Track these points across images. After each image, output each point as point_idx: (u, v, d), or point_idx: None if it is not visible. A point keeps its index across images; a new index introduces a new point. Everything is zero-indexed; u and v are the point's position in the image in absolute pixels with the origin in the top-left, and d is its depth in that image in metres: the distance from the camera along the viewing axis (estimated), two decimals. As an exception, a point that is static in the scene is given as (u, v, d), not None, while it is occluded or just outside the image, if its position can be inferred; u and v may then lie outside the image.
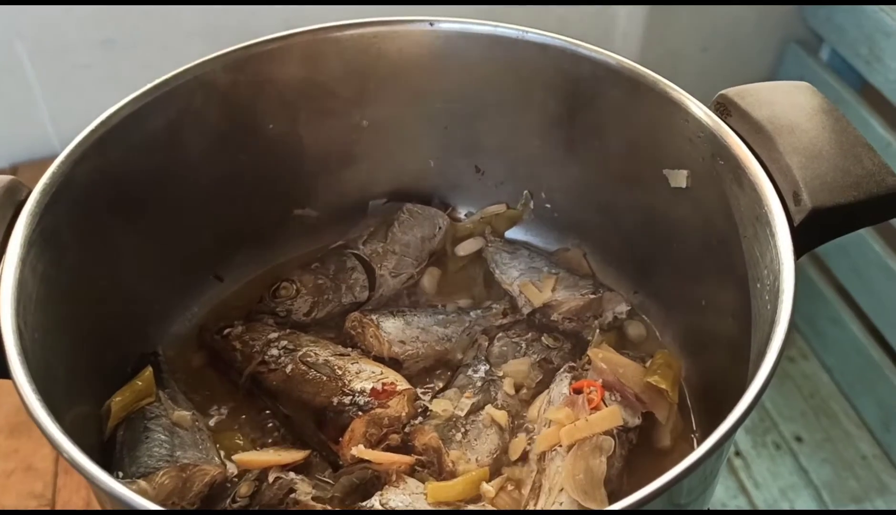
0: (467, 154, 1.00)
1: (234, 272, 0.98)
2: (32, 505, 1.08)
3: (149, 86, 0.81)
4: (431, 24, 0.89)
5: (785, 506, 1.78)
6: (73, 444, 0.56)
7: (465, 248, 1.01)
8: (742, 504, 1.77)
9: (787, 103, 0.75)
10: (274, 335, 0.88)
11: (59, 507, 1.07)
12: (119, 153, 0.80)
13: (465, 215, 1.05)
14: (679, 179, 0.82)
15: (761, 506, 1.77)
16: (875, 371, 1.84)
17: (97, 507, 0.93)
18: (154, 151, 0.84)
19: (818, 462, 1.85)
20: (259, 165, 0.94)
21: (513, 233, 1.03)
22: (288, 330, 0.89)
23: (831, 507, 1.81)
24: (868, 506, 1.81)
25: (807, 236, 0.68)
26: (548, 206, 1.00)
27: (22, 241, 0.67)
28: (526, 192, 1.01)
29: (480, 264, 1.00)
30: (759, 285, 0.70)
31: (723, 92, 0.78)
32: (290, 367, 0.84)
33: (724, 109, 0.77)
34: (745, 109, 0.75)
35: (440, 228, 1.01)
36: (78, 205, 0.75)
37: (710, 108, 0.78)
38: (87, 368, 0.78)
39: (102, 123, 0.78)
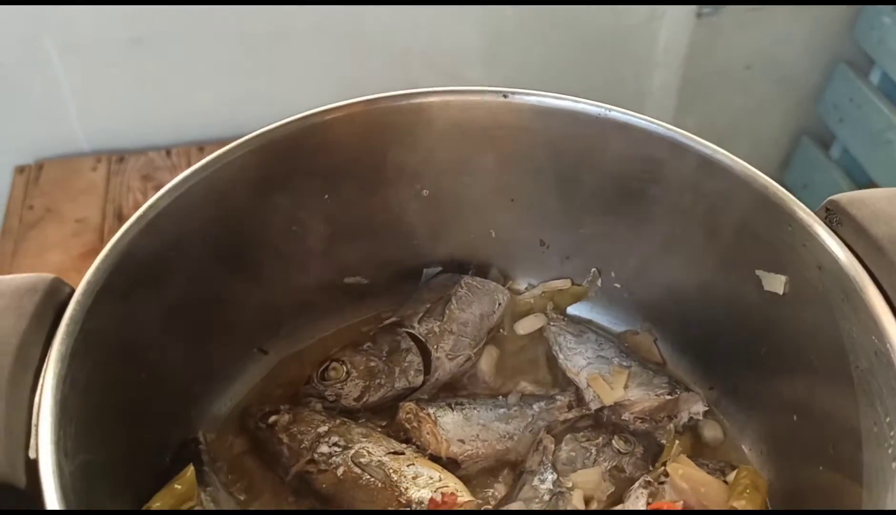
0: (532, 227, 0.93)
1: (280, 345, 0.92)
2: None
3: (198, 165, 0.74)
4: (505, 96, 0.82)
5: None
6: None
7: (526, 326, 0.94)
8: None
9: (909, 219, 0.68)
10: (324, 429, 0.81)
11: None
12: (165, 239, 0.73)
13: (526, 288, 0.98)
14: (775, 284, 0.75)
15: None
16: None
17: None
18: (201, 230, 0.77)
19: None
20: (311, 235, 0.87)
21: (576, 309, 0.97)
22: (338, 421, 0.83)
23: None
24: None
25: (936, 382, 0.61)
26: (617, 285, 0.93)
27: (63, 354, 0.61)
28: (594, 269, 0.94)
29: (542, 343, 0.94)
30: (875, 430, 0.63)
31: (833, 198, 0.70)
32: (341, 469, 0.78)
33: (835, 217, 0.70)
34: (861, 222, 0.68)
35: (500, 304, 0.94)
36: (122, 300, 0.69)
37: (818, 213, 0.71)
38: (127, 470, 0.71)
39: (149, 209, 0.71)
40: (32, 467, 0.56)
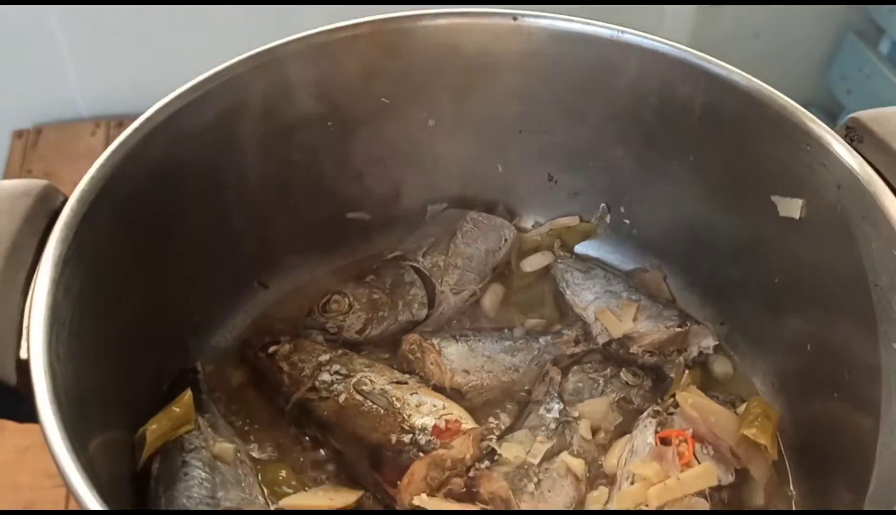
0: (541, 161, 0.91)
1: (281, 279, 0.90)
2: (47, 485, 1.02)
3: (198, 79, 0.72)
4: (515, 19, 0.79)
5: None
6: None
7: (532, 263, 0.92)
8: None
9: (932, 133, 0.66)
10: (325, 358, 0.79)
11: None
12: (164, 153, 0.71)
13: (532, 226, 0.95)
14: (792, 208, 0.73)
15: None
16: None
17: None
18: (201, 149, 0.75)
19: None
20: (313, 165, 0.85)
21: (584, 247, 0.94)
22: (340, 351, 0.81)
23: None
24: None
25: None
26: (626, 221, 0.91)
27: (56, 258, 0.59)
28: (603, 205, 0.92)
29: (548, 281, 0.91)
30: (895, 346, 0.61)
31: (854, 115, 0.68)
32: (343, 396, 0.76)
33: (856, 134, 0.68)
34: (882, 137, 0.66)
35: (506, 240, 0.92)
36: (118, 211, 0.67)
37: (838, 131, 0.69)
38: (122, 390, 0.69)
39: (148, 120, 0.69)
40: (24, 368, 0.54)
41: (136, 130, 0.68)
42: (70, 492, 0.50)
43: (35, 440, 1.08)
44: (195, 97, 0.72)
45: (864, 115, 0.68)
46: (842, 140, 0.67)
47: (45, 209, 0.62)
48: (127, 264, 0.69)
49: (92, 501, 0.49)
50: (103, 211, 0.64)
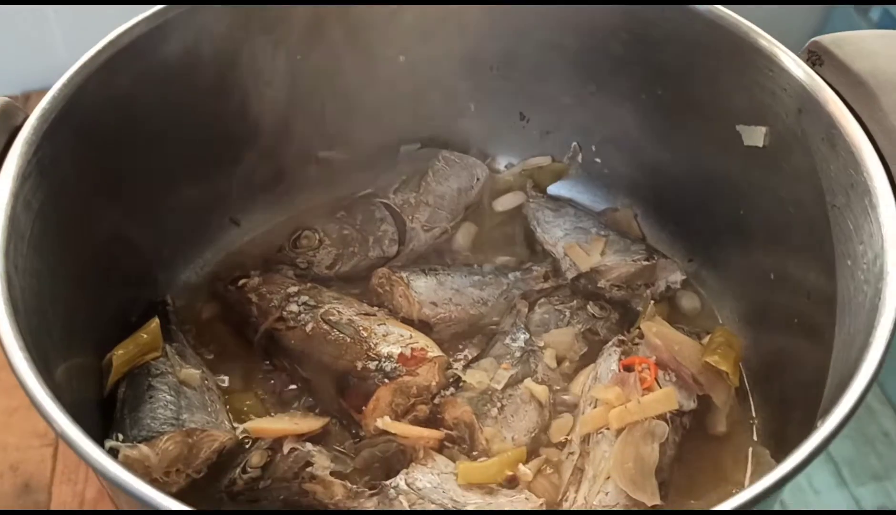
0: (513, 99, 0.91)
1: (252, 217, 0.90)
2: (35, 444, 1.02)
3: (165, 5, 0.72)
4: (484, -48, 0.79)
5: (801, 481, 1.71)
6: (76, 426, 0.49)
7: (504, 203, 0.93)
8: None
9: (893, 55, 0.66)
10: (294, 289, 0.80)
11: (62, 447, 1.01)
12: (129, 78, 0.71)
13: (505, 167, 0.96)
14: (755, 136, 0.73)
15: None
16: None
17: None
18: (169, 77, 0.75)
19: (839, 437, 1.76)
20: (284, 100, 0.85)
21: (556, 188, 0.95)
22: (309, 284, 0.81)
23: (850, 483, 1.74)
24: (888, 484, 1.74)
25: (914, 209, 0.59)
26: (598, 160, 0.91)
27: (16, 172, 0.59)
28: (574, 143, 0.92)
29: (520, 221, 0.92)
30: (849, 263, 0.62)
31: (816, 39, 0.68)
32: (310, 325, 0.76)
33: (817, 58, 0.68)
34: (843, 59, 0.66)
35: (478, 179, 0.92)
36: (82, 133, 0.67)
37: (800, 56, 0.69)
38: (87, 316, 0.70)
39: (111, 43, 0.69)
40: (-21, 277, 0.55)
41: (100, 51, 0.69)
42: (26, 393, 0.51)
43: (22, 400, 1.08)
44: (158, 24, 0.72)
45: (825, 38, 0.68)
46: (803, 63, 0.68)
47: (4, 125, 0.62)
48: (91, 189, 0.69)
49: (44, 396, 0.50)
50: (65, 131, 0.65)
